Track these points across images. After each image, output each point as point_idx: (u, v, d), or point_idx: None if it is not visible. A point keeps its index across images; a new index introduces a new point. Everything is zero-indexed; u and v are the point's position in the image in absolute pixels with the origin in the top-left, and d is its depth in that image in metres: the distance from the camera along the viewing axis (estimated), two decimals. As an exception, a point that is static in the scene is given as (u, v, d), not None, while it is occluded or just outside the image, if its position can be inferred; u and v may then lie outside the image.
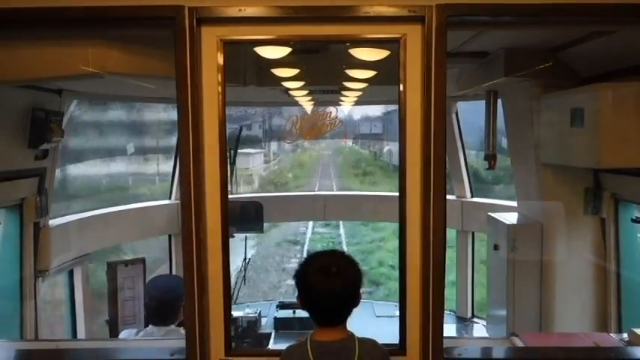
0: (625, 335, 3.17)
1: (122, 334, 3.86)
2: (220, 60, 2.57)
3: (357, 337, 2.25)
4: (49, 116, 4.25)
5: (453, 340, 3.01)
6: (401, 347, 2.66)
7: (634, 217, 3.90)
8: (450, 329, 5.97)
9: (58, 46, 3.04)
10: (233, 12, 2.49)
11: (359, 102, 6.29)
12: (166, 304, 3.44)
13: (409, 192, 2.61)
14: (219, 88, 2.58)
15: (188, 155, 2.55)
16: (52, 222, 4.82)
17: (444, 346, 2.63)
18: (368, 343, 2.26)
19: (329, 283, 2.19)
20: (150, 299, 3.57)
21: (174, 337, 3.23)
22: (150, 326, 3.53)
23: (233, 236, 6.09)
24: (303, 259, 2.35)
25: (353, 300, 2.25)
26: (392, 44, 2.64)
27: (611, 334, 3.40)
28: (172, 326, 3.48)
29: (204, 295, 2.63)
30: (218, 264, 2.66)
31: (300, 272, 2.28)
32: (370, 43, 3.01)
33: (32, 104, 4.16)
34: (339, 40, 2.79)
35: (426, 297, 2.58)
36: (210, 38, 2.54)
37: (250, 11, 2.49)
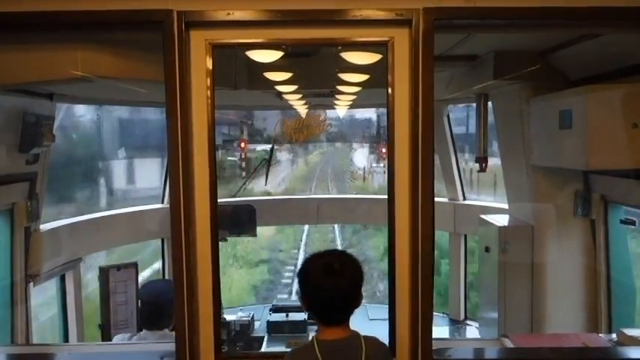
0: (614, 336, 3.19)
1: (116, 339, 3.85)
2: (209, 64, 2.57)
3: (362, 335, 2.27)
4: (40, 120, 4.25)
5: (443, 342, 3.02)
6: (391, 349, 2.66)
7: (623, 219, 3.94)
8: (442, 331, 5.97)
9: (47, 50, 3.05)
10: (221, 16, 2.50)
11: (353, 105, 6.31)
12: (159, 308, 3.44)
13: (398, 195, 2.61)
14: (208, 92, 2.58)
15: (177, 159, 2.55)
16: (43, 226, 4.80)
17: (435, 348, 2.64)
18: (373, 340, 2.28)
19: (333, 281, 2.20)
20: (143, 304, 3.58)
21: (167, 341, 3.23)
22: (144, 331, 3.53)
23: (225, 240, 6.13)
24: (304, 260, 2.36)
25: (356, 297, 2.26)
26: (381, 47, 2.66)
27: (601, 335, 3.42)
28: (166, 330, 3.48)
29: (194, 300, 2.63)
30: (208, 268, 2.66)
31: (303, 272, 2.29)
32: (359, 46, 3.02)
33: (23, 109, 4.15)
34: (327, 44, 2.81)
35: (415, 299, 2.59)
36: (199, 42, 2.55)
37: (239, 15, 2.50)
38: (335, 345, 2.21)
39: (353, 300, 2.25)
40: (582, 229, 4.34)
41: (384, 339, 2.69)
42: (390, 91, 2.58)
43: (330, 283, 2.20)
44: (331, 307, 2.23)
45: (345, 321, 2.26)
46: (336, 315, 2.25)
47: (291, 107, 5.73)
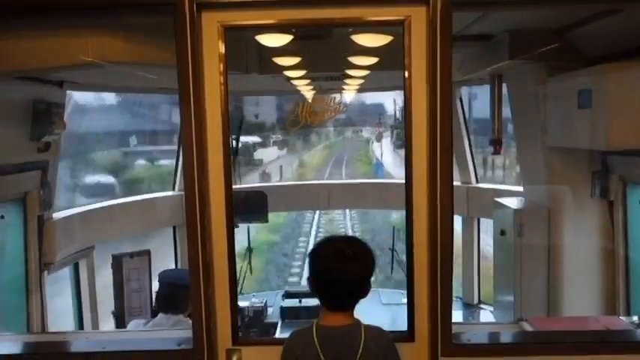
0: (635, 318, 3.15)
1: (130, 325, 3.89)
2: (221, 47, 2.52)
3: (363, 324, 2.25)
4: (50, 108, 4.22)
5: (461, 326, 3.00)
6: (409, 334, 2.64)
7: (643, 200, 3.87)
8: (456, 315, 5.96)
9: (57, 36, 3.01)
10: (233, -4, 2.45)
11: (364, 89, 6.24)
12: (177, 292, 3.53)
13: (415, 179, 2.57)
14: (221, 78, 2.53)
15: (191, 146, 2.52)
16: (56, 215, 4.80)
17: (453, 332, 2.61)
18: (374, 330, 2.25)
19: (343, 267, 2.18)
20: (161, 286, 3.67)
21: (182, 328, 3.24)
22: (159, 315, 3.60)
23: (237, 226, 6.10)
24: (318, 241, 2.35)
25: (364, 286, 2.24)
26: (395, 28, 2.59)
27: (621, 317, 3.38)
28: (181, 316, 3.52)
29: (210, 286, 2.61)
30: (223, 254, 2.64)
31: (315, 253, 2.28)
32: (374, 26, 2.96)
33: (33, 96, 4.13)
34: (342, 24, 2.74)
35: (434, 284, 2.55)
36: (211, 24, 2.50)
37: (251, -5, 2.44)
38: (334, 332, 2.20)
39: (361, 288, 2.23)
40: (600, 211, 4.27)
41: (398, 324, 2.67)
42: (406, 72, 2.52)
43: (341, 269, 2.18)
44: (338, 292, 2.22)
45: (349, 308, 2.24)
46: (341, 301, 2.23)
47: (300, 91, 5.67)
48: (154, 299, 4.77)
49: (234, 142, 5.66)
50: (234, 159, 5.65)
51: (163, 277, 3.78)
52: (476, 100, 6.44)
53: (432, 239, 2.55)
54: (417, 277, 2.61)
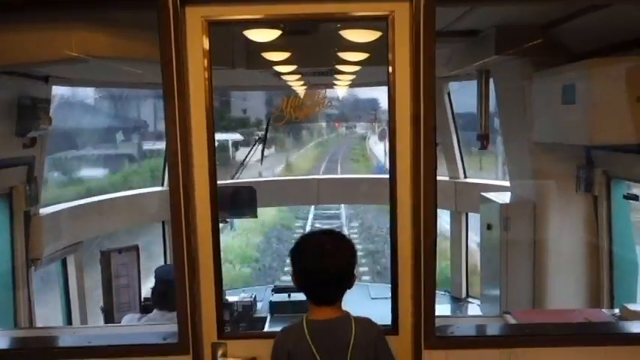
0: (617, 310, 3.19)
1: (125, 319, 3.89)
2: (205, 43, 2.51)
3: (353, 316, 2.27)
4: (35, 104, 4.19)
5: (446, 319, 3.02)
6: (394, 327, 2.66)
7: (626, 194, 3.91)
8: (444, 309, 6.00)
9: (41, 30, 2.99)
10: (217, -9, 2.44)
11: (353, 84, 6.25)
12: (173, 288, 3.48)
13: (399, 174, 2.58)
14: (206, 73, 2.52)
15: (175, 141, 2.52)
16: (43, 210, 4.78)
17: (438, 325, 2.63)
18: (364, 322, 2.29)
19: (324, 262, 2.20)
20: (157, 282, 3.66)
21: (172, 323, 3.24)
22: (154, 311, 3.59)
23: (226, 221, 6.10)
24: (298, 239, 2.37)
25: (347, 279, 2.26)
26: (381, 22, 2.60)
27: (604, 310, 3.42)
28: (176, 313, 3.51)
29: (195, 280, 2.62)
30: (208, 249, 2.64)
31: (296, 251, 2.30)
32: (358, 21, 2.96)
33: (19, 92, 4.10)
34: (326, 19, 2.75)
35: (418, 277, 2.57)
36: (195, 19, 2.48)
37: (235, -10, 2.44)
38: (324, 325, 2.23)
39: (344, 281, 2.26)
40: (584, 205, 4.32)
41: (386, 318, 2.69)
42: (390, 67, 2.52)
43: (322, 264, 2.21)
44: (322, 287, 2.24)
45: (335, 301, 2.27)
46: (326, 295, 2.26)
47: (289, 87, 5.66)
48: (142, 295, 4.79)
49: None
50: (264, 144, 5.66)
51: (159, 273, 3.77)
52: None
53: (415, 234, 2.57)
54: (401, 272, 2.62)
